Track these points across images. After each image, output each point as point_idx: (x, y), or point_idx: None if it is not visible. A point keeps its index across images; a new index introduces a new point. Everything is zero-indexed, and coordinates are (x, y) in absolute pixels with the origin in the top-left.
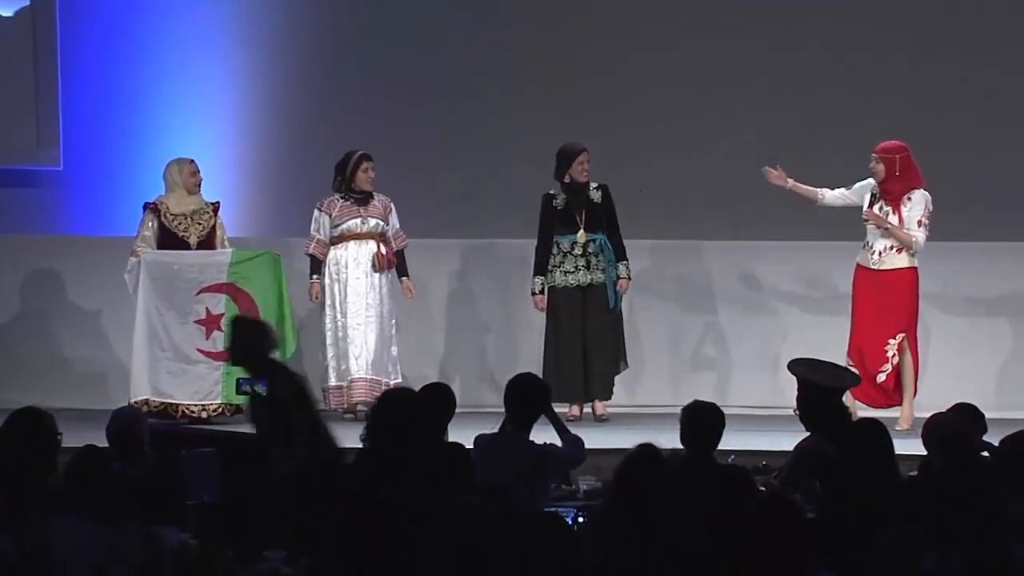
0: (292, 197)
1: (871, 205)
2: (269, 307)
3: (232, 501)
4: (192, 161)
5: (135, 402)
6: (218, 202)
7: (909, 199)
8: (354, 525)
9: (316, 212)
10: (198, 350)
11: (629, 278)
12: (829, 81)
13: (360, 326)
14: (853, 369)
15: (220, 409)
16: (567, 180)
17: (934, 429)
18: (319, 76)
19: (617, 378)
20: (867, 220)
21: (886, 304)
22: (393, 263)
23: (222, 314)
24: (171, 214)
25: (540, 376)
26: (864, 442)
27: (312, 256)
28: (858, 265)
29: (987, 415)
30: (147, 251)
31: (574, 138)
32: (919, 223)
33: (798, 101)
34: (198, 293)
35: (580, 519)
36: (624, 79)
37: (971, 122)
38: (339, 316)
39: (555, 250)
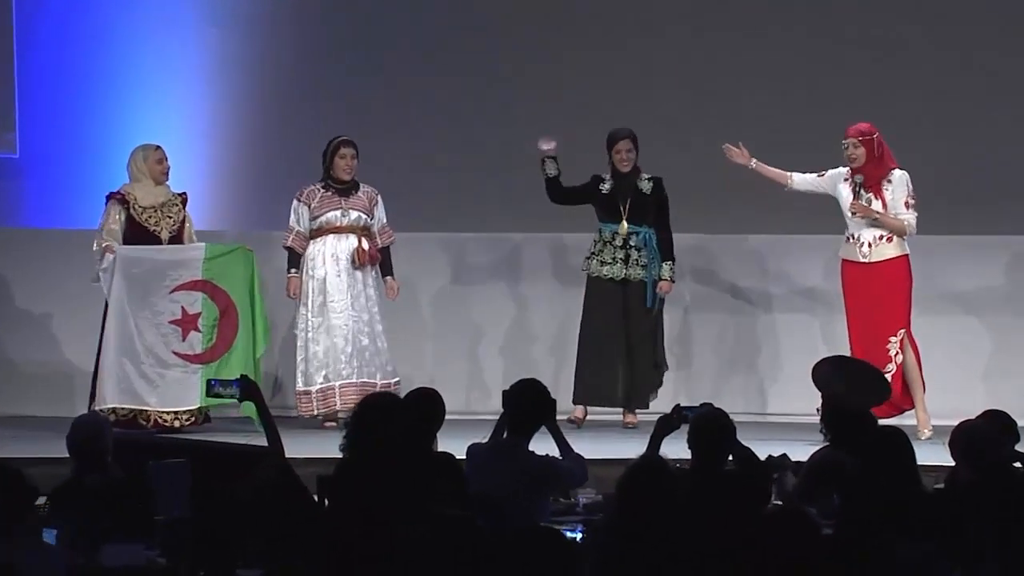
0: (268, 189)
1: (856, 197)
2: (244, 305)
3: (204, 516)
4: (159, 148)
5: (101, 411)
6: (185, 193)
7: (889, 182)
8: (334, 541)
9: (295, 202)
10: (174, 352)
11: (672, 280)
12: (835, 70)
13: (347, 326)
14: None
15: (194, 417)
16: (612, 167)
17: (962, 437)
18: (298, 61)
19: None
20: (855, 214)
21: (882, 300)
22: (376, 259)
23: (199, 313)
24: (140, 206)
25: (574, 373)
26: (884, 452)
27: (290, 249)
28: (844, 260)
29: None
30: (117, 246)
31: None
32: (906, 205)
33: (810, 91)
34: (172, 291)
35: (580, 535)
36: (626, 71)
37: (981, 111)
38: (311, 316)
39: (596, 237)
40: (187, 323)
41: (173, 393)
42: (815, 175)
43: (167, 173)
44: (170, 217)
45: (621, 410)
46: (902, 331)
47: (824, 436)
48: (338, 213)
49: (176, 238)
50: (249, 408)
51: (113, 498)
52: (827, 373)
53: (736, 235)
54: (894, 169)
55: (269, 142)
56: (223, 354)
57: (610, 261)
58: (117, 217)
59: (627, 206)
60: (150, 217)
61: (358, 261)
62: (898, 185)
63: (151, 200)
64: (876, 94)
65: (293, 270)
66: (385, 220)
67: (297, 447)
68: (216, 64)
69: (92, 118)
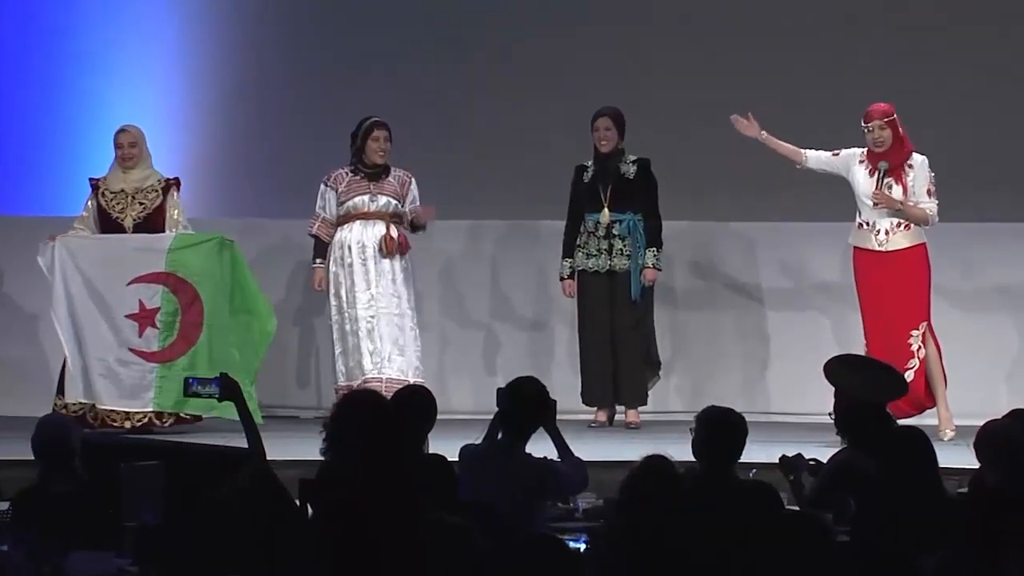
0: (267, 175)
1: (879, 185)
2: (217, 300)
3: (178, 522)
4: (122, 130)
5: (55, 407)
6: (177, 179)
7: (910, 167)
8: (317, 550)
9: (322, 187)
10: (130, 349)
11: (657, 268)
12: (840, 47)
13: (373, 319)
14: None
15: (147, 418)
16: (594, 150)
17: (988, 439)
18: (292, 38)
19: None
20: (877, 204)
21: (901, 291)
22: (405, 248)
23: (157, 308)
24: (109, 192)
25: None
26: (905, 454)
27: (316, 237)
28: (856, 249)
29: None
30: (73, 236)
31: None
32: (928, 192)
33: (814, 72)
34: (130, 283)
35: (584, 546)
36: (649, 51)
37: (988, 95)
38: (346, 307)
39: (581, 228)
40: (144, 318)
41: (126, 391)
42: (829, 154)
43: (132, 159)
44: (141, 204)
45: (624, 409)
46: (924, 324)
47: (841, 439)
48: (366, 198)
49: (143, 226)
50: (224, 408)
51: (80, 503)
52: (839, 370)
53: (731, 222)
54: (914, 153)
55: (264, 128)
56: (184, 353)
57: (595, 253)
58: (89, 204)
59: (608, 192)
60: (116, 203)
61: (386, 250)
62: (920, 171)
63: (121, 185)
64: (881, 69)
65: (319, 260)
66: (419, 202)
67: (279, 448)
68: (196, 48)
69: (69, 100)
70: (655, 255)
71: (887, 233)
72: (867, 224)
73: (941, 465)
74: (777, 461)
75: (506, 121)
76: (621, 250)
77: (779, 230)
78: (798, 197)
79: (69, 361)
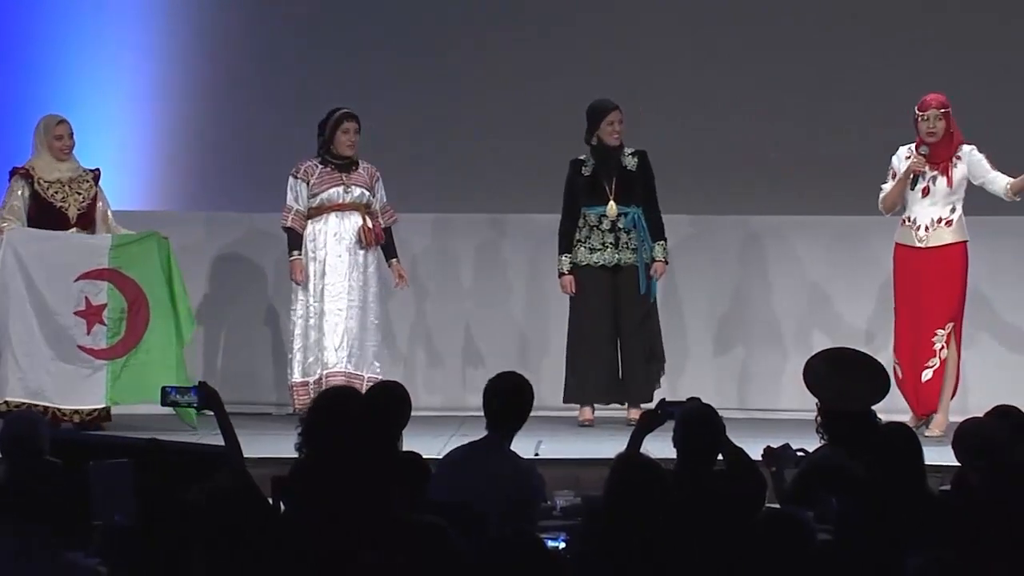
0: (233, 168)
1: (913, 184)
2: (157, 296)
3: (149, 521)
4: (62, 122)
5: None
6: (98, 169)
7: (959, 158)
8: (291, 549)
9: (291, 180)
10: (79, 347)
11: (666, 261)
12: (836, 41)
13: (341, 311)
14: (897, 369)
15: (96, 413)
16: (595, 143)
17: (966, 436)
18: (245, 36)
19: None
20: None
21: (935, 287)
22: (381, 238)
23: (104, 304)
24: (45, 181)
25: (565, 369)
26: (890, 451)
27: (291, 230)
28: (898, 245)
29: None
30: (15, 226)
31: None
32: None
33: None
34: (76, 279)
35: (564, 544)
36: (645, 44)
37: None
38: (312, 301)
39: (581, 223)
40: (91, 315)
41: (75, 389)
42: (891, 182)
43: (69, 150)
44: (79, 193)
45: (624, 406)
46: (951, 324)
47: (820, 436)
48: (340, 190)
49: (86, 216)
50: (187, 412)
51: (48, 501)
52: (820, 371)
53: (732, 216)
54: (963, 144)
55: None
56: (131, 349)
57: (599, 247)
58: (20, 193)
59: (613, 185)
60: (56, 192)
61: (364, 240)
62: (971, 157)
63: (55, 175)
64: (873, 67)
65: (296, 252)
66: (386, 199)
67: (251, 445)
68: (160, 38)
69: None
70: (664, 248)
71: (927, 229)
72: (908, 220)
73: (925, 462)
74: (762, 456)
75: (482, 113)
76: (627, 244)
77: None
78: (785, 191)
79: (12, 359)
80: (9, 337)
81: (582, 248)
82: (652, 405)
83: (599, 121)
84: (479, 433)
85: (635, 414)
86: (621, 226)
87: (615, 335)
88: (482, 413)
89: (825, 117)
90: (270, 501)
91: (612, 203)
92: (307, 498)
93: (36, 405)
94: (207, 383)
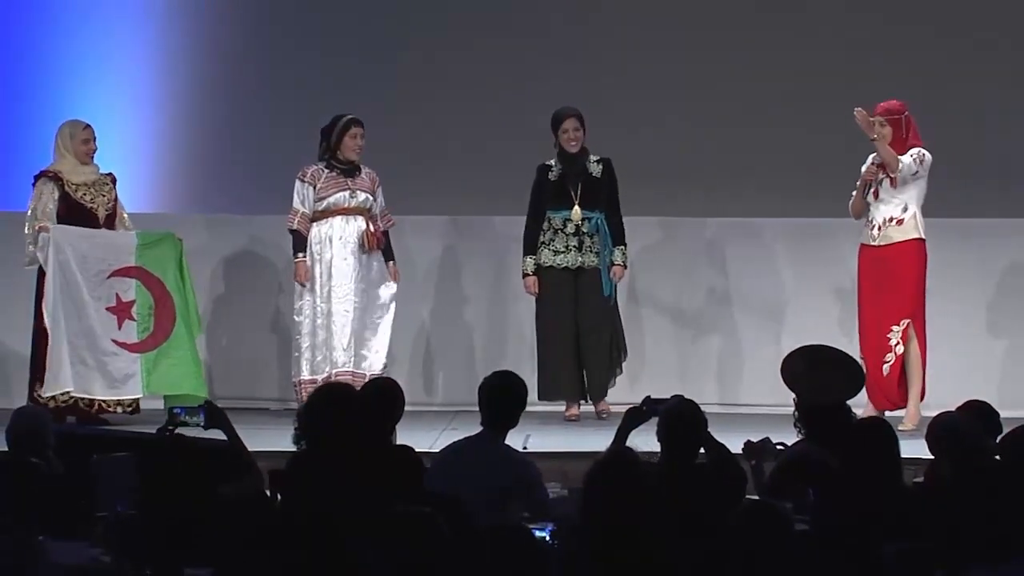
0: (235, 171)
1: (866, 192)
2: (178, 294)
3: (149, 512)
4: (87, 127)
5: (40, 399)
6: (112, 174)
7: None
8: (287, 540)
9: (298, 183)
10: (113, 340)
11: (625, 266)
12: (804, 41)
13: (348, 312)
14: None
15: (134, 405)
16: (559, 150)
17: (939, 430)
18: (248, 42)
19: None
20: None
21: (889, 285)
22: (383, 242)
23: (133, 301)
24: (72, 183)
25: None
26: (865, 444)
27: (296, 232)
28: (861, 245)
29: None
30: (61, 227)
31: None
32: (911, 156)
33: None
34: (108, 276)
35: (549, 535)
36: (625, 49)
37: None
38: (319, 302)
39: (545, 225)
40: (121, 311)
41: (115, 381)
42: (862, 190)
43: (92, 155)
44: (104, 196)
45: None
46: (906, 321)
47: (798, 430)
48: (346, 194)
49: (111, 216)
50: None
51: (54, 493)
52: (797, 367)
53: (694, 218)
54: (914, 148)
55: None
56: (162, 342)
57: (563, 249)
58: (52, 195)
59: (578, 190)
60: (85, 194)
61: (368, 245)
62: (909, 155)
63: (81, 178)
64: (838, 71)
65: (301, 254)
66: (384, 203)
67: (249, 440)
68: (161, 42)
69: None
70: (623, 253)
71: (880, 228)
72: (869, 220)
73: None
74: (742, 450)
75: (462, 117)
76: (590, 247)
77: (741, 226)
78: (752, 193)
79: (62, 353)
80: (62, 332)
81: (546, 250)
82: (614, 398)
83: (556, 129)
84: (470, 428)
85: (603, 406)
86: (585, 230)
87: (575, 335)
88: (473, 408)
89: (792, 120)
90: (267, 493)
91: (577, 207)
92: (302, 489)
93: (83, 398)
94: (213, 403)
